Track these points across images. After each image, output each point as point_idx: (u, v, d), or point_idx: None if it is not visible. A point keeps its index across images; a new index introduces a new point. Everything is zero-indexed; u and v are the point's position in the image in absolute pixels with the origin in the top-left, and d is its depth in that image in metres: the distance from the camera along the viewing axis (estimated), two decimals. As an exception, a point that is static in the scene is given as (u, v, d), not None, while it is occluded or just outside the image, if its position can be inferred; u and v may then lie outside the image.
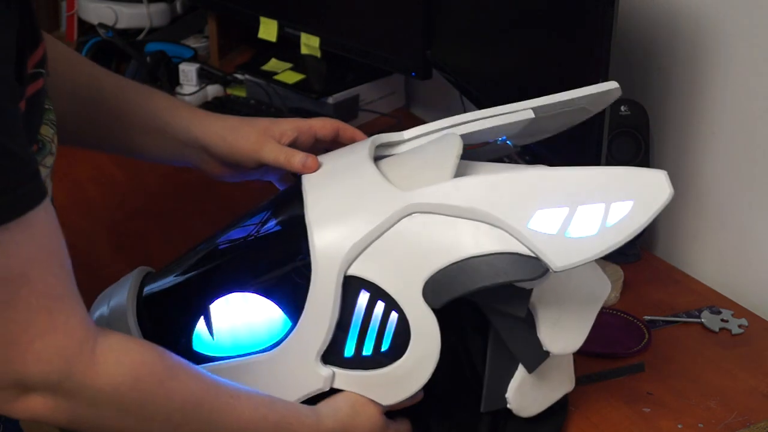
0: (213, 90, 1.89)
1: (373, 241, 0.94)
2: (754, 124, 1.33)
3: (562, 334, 1.01)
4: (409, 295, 0.94)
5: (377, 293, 0.95)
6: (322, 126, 1.11)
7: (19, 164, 0.76)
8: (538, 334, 1.00)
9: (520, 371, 1.02)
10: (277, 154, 1.07)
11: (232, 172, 1.14)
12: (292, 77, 1.85)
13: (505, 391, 1.02)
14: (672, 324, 1.30)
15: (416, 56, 1.62)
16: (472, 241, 0.93)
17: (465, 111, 1.67)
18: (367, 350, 0.97)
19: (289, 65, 1.88)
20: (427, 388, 0.99)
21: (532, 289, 0.97)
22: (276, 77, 1.85)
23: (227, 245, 1.05)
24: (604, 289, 1.04)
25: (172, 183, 1.59)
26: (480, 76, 1.51)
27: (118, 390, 0.83)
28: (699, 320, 1.30)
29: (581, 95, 1.05)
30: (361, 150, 1.02)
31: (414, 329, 0.95)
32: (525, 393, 1.03)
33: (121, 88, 1.13)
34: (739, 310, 1.32)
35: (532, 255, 0.92)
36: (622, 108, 1.41)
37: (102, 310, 1.06)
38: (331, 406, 0.98)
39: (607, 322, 1.24)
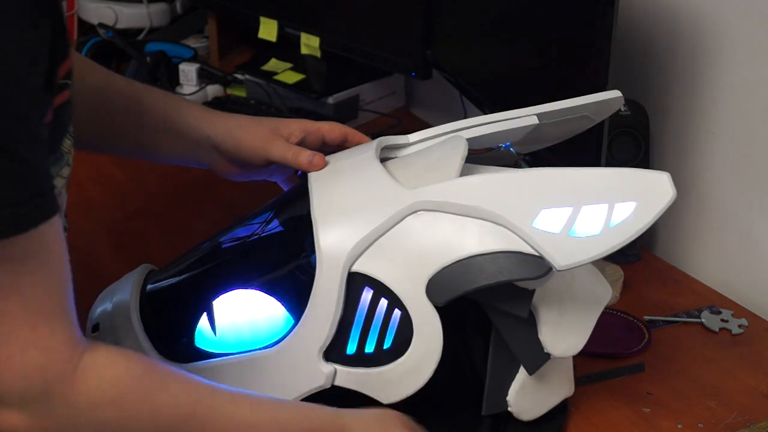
0: (213, 90, 1.89)
1: (377, 238, 0.95)
2: (754, 124, 1.33)
3: (564, 336, 1.01)
4: (413, 292, 0.95)
5: (381, 290, 0.95)
6: (330, 130, 1.13)
7: (35, 177, 0.76)
8: (539, 336, 1.00)
9: (521, 374, 1.02)
10: (285, 151, 1.09)
11: (241, 170, 1.15)
12: (292, 77, 1.85)
13: (506, 394, 1.03)
14: (672, 324, 1.30)
15: (416, 56, 1.62)
16: (476, 239, 0.94)
17: (465, 111, 1.68)
18: (370, 347, 0.97)
19: (289, 65, 1.88)
20: (428, 388, 0.99)
21: (534, 290, 0.98)
22: (276, 77, 1.85)
23: (231, 243, 1.05)
24: (605, 292, 1.05)
25: (172, 183, 1.59)
26: (480, 76, 1.51)
27: (97, 408, 0.82)
28: (699, 320, 1.30)
29: (585, 103, 1.06)
30: (368, 150, 1.03)
31: (417, 327, 0.96)
32: (526, 396, 1.04)
33: (133, 91, 1.14)
34: (739, 310, 1.32)
35: (536, 254, 0.92)
36: (622, 108, 1.41)
37: (105, 306, 1.06)
38: (353, 410, 0.96)
39: (607, 322, 1.24)
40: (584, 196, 0.93)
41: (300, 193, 1.03)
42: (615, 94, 1.07)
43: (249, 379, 0.96)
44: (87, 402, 0.82)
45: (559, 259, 0.92)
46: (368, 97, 1.86)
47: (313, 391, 0.99)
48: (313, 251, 0.96)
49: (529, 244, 0.93)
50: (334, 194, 0.99)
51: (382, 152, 1.05)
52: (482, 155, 1.09)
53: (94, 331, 1.07)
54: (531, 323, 1.00)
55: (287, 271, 1.01)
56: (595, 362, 1.19)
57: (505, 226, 0.93)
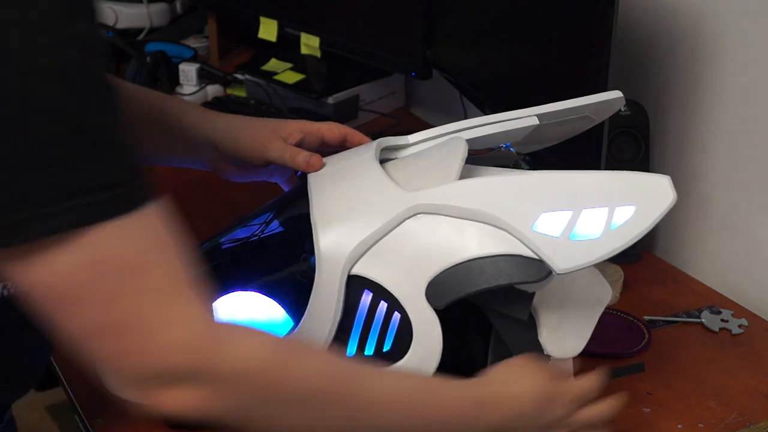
0: (213, 90, 1.90)
1: (377, 241, 0.94)
2: (753, 124, 1.33)
3: (564, 338, 1.01)
4: (412, 295, 0.94)
5: (380, 293, 0.95)
6: (330, 130, 1.13)
7: (135, 158, 0.77)
8: (539, 338, 1.00)
9: None
10: (282, 152, 1.09)
11: (241, 171, 1.15)
12: (292, 77, 1.85)
13: None
14: (672, 324, 1.30)
15: (416, 56, 1.62)
16: (476, 242, 0.94)
17: (465, 111, 1.68)
18: (369, 350, 0.97)
19: (289, 65, 1.88)
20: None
21: (534, 292, 0.98)
22: (276, 77, 1.85)
23: (231, 244, 1.05)
24: (605, 294, 1.05)
25: (172, 183, 1.58)
26: (480, 76, 1.51)
27: (250, 373, 0.80)
28: (699, 320, 1.30)
29: (585, 103, 1.06)
30: (367, 151, 1.03)
31: (416, 330, 0.95)
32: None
33: (136, 93, 1.15)
34: (739, 310, 1.32)
35: (536, 257, 0.92)
36: (622, 108, 1.41)
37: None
38: (489, 376, 0.95)
39: (607, 322, 1.23)
40: (585, 200, 0.92)
41: (300, 194, 1.03)
42: (616, 94, 1.06)
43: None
44: (241, 369, 0.80)
45: (559, 262, 0.92)
46: (368, 97, 1.86)
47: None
48: (313, 253, 0.96)
49: (529, 248, 0.92)
50: (333, 197, 0.99)
51: (382, 153, 1.05)
52: (482, 155, 1.09)
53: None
54: (531, 326, 1.00)
55: (287, 273, 1.01)
56: (595, 362, 1.19)
57: (505, 230, 0.93)
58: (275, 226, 1.05)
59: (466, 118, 1.52)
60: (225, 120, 1.14)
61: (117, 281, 0.75)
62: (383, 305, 0.95)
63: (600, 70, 1.18)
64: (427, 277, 0.94)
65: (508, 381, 0.95)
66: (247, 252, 1.05)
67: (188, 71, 1.88)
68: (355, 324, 0.96)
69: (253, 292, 1.01)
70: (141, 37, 2.04)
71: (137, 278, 0.76)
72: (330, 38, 1.76)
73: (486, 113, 1.43)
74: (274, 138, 1.11)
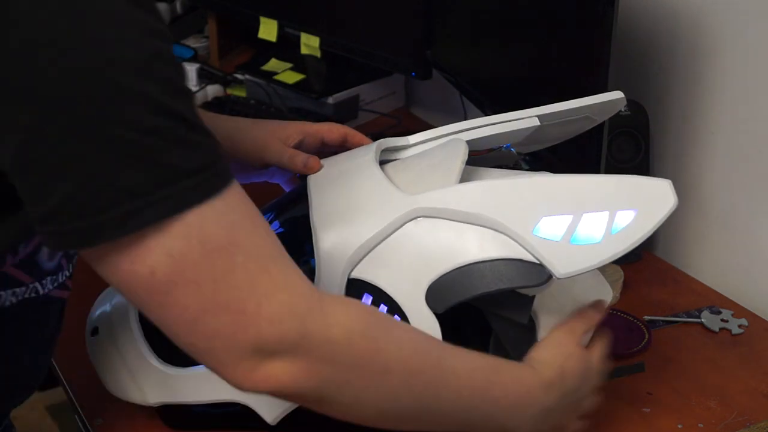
0: (213, 90, 1.90)
1: (377, 244, 0.94)
2: (753, 124, 1.33)
3: None
4: (412, 299, 0.94)
5: (380, 296, 0.95)
6: (329, 131, 1.13)
7: (214, 140, 0.79)
8: (539, 341, 1.00)
9: None
10: (280, 154, 1.09)
11: (241, 172, 1.15)
12: (292, 77, 1.85)
13: None
14: (672, 324, 1.30)
15: (416, 56, 1.62)
16: (476, 246, 0.93)
17: (465, 111, 1.68)
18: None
19: (289, 65, 1.88)
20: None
21: (534, 296, 0.98)
22: (276, 77, 1.85)
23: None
24: (606, 295, 1.05)
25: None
26: (480, 76, 1.51)
27: (352, 340, 0.82)
28: (699, 320, 1.30)
29: (587, 104, 1.05)
30: (367, 153, 1.03)
31: (416, 333, 0.95)
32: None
33: None
34: (739, 310, 1.32)
35: (536, 261, 0.92)
36: (622, 108, 1.41)
37: (104, 307, 1.06)
38: (539, 360, 0.97)
39: (607, 322, 1.24)
40: (585, 204, 0.92)
41: (301, 196, 1.03)
42: (618, 94, 1.06)
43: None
44: (341, 333, 0.82)
45: (559, 267, 0.92)
46: (368, 97, 1.86)
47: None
48: (313, 256, 0.96)
49: (529, 252, 0.92)
50: (333, 199, 0.99)
51: (382, 154, 1.04)
52: (483, 156, 1.08)
53: (93, 334, 1.07)
54: (531, 329, 1.00)
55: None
56: (596, 363, 1.19)
57: (505, 234, 0.93)
58: (275, 227, 1.05)
59: (466, 118, 1.52)
60: (223, 122, 1.14)
61: (221, 258, 0.77)
62: (383, 309, 0.95)
63: (600, 70, 1.18)
64: (427, 281, 0.94)
65: (558, 364, 0.97)
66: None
67: (188, 71, 1.88)
68: (355, 327, 0.96)
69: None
70: (141, 37, 2.03)
71: (238, 253, 0.78)
72: (330, 38, 1.77)
73: (486, 113, 1.43)
74: (273, 140, 1.11)
